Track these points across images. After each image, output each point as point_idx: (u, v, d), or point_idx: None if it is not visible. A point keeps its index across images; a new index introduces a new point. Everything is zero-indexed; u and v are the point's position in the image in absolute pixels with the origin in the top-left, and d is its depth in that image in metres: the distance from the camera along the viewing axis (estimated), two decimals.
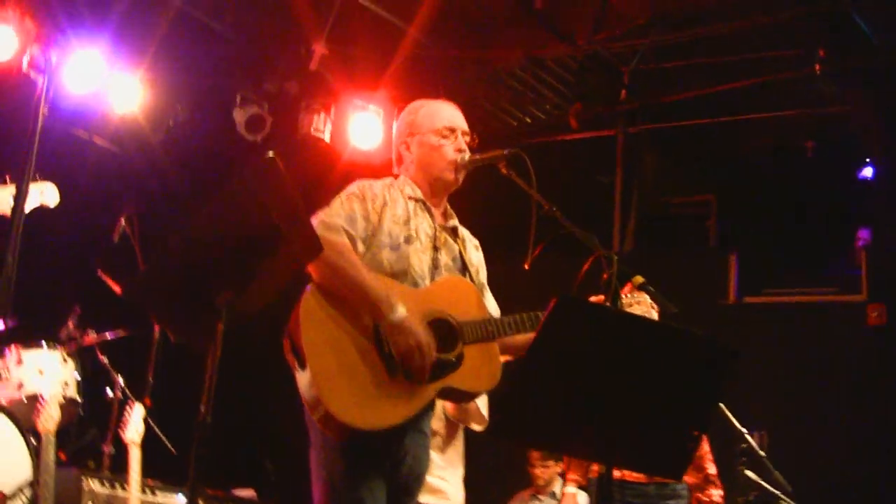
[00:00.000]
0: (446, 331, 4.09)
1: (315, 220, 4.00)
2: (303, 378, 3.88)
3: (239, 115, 9.14)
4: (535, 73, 9.62)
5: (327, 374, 3.84)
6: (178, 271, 3.28)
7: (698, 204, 10.38)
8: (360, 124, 9.20)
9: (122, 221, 7.49)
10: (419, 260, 4.21)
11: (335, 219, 4.11)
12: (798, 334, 9.19)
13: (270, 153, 3.19)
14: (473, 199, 4.91)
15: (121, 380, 7.38)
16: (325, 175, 8.80)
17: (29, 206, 5.90)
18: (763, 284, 9.76)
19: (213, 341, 3.32)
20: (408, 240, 4.20)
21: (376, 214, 4.19)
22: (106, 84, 8.14)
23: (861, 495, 8.53)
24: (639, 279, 4.06)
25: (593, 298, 4.09)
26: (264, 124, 9.22)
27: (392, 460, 4.03)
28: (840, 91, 8.76)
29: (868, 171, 9.57)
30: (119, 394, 7.37)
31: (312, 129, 9.21)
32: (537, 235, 4.17)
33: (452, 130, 4.43)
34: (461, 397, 4.36)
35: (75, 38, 7.60)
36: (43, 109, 3.19)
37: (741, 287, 9.71)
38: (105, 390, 7.40)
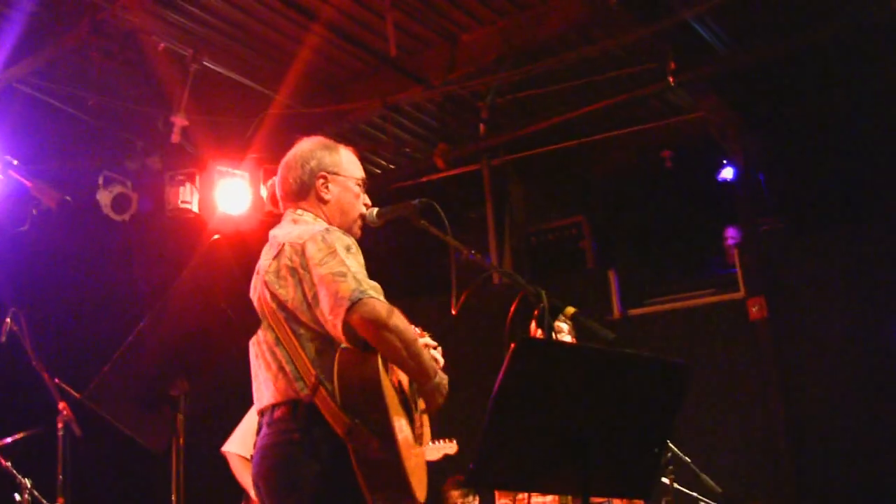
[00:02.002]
0: None
1: (355, 284, 3.60)
2: (373, 458, 3.54)
3: (103, 197, 8.99)
4: (394, 120, 9.73)
5: (407, 457, 3.58)
6: (134, 369, 3.22)
7: (571, 226, 10.55)
8: (227, 190, 9.13)
9: (8, 320, 7.23)
10: None
11: (368, 281, 3.68)
12: (684, 339, 9.44)
13: (216, 236, 3.18)
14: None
15: (28, 482, 7.13)
16: (195, 245, 8.67)
17: None
18: (644, 296, 10.00)
19: (175, 433, 3.28)
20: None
21: None
22: None
23: (769, 485, 8.82)
24: (570, 310, 4.14)
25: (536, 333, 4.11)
26: (130, 202, 9.09)
27: None
28: (693, 99, 9.08)
29: (728, 172, 9.87)
30: (27, 497, 7.12)
31: (180, 202, 9.11)
32: (459, 279, 4.17)
33: (364, 184, 4.23)
34: None
35: None
36: None
37: (624, 301, 9.93)
38: (13, 496, 7.13)
